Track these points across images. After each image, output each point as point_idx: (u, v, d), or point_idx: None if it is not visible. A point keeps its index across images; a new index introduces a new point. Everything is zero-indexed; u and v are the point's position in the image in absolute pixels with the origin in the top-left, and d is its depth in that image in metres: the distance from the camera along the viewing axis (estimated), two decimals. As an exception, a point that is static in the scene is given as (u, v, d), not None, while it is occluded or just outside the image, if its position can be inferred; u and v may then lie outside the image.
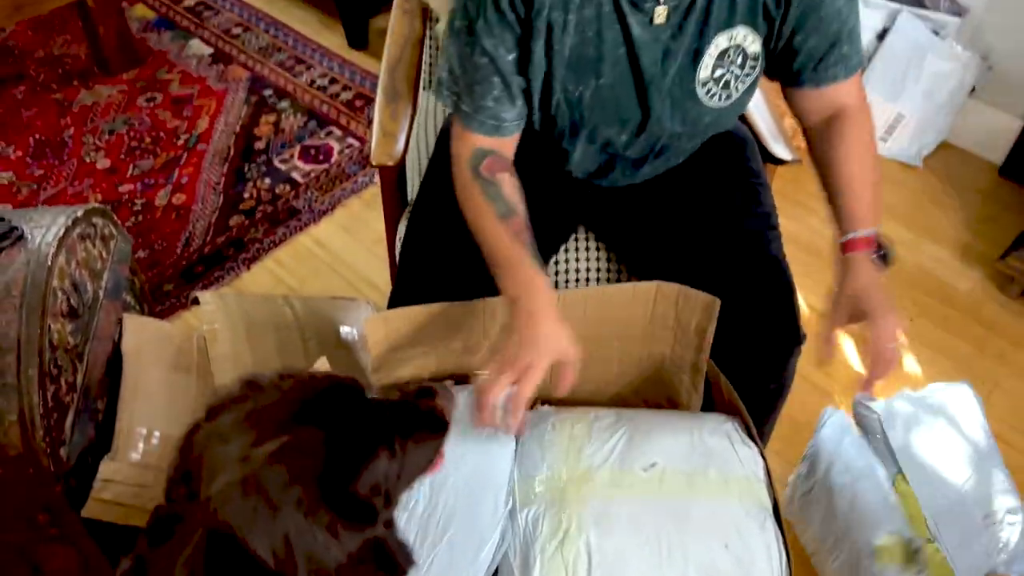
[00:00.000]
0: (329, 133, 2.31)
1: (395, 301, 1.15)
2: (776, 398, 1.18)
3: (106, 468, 1.27)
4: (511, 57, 0.97)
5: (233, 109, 2.39)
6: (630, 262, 1.23)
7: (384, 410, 0.74)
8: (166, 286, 1.89)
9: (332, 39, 2.67)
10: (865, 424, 1.58)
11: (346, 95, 2.45)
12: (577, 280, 1.22)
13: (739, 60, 1.00)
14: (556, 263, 1.23)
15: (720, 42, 0.98)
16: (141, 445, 1.33)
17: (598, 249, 1.24)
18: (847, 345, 1.79)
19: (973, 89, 2.19)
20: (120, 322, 1.47)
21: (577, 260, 1.24)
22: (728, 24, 0.97)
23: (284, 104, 2.41)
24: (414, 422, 0.76)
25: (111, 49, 2.44)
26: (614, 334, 1.08)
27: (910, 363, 1.76)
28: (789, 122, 1.25)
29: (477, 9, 0.95)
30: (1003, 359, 1.77)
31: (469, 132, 1.02)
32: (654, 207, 1.20)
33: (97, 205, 1.42)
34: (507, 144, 1.04)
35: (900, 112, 2.21)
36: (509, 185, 1.00)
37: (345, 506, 0.66)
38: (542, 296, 0.91)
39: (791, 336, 1.10)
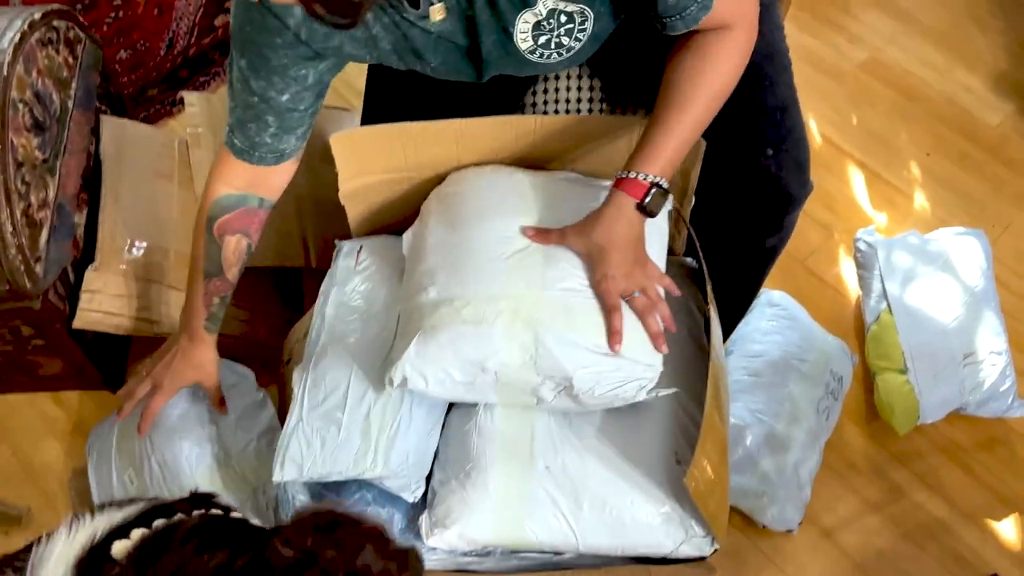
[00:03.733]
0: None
1: (366, 120, 1.12)
2: (773, 253, 1.13)
3: (90, 278, 1.27)
4: (284, 98, 0.93)
5: None
6: (615, 96, 1.14)
7: None
8: (150, 90, 1.81)
9: None
10: (862, 259, 1.55)
11: None
12: (557, 111, 1.14)
13: (562, 19, 0.88)
14: (534, 93, 1.13)
15: (527, 18, 0.87)
16: (124, 254, 1.32)
17: (580, 78, 1.15)
18: (856, 179, 1.71)
19: None
20: (94, 131, 1.42)
21: (558, 91, 1.15)
22: (525, 4, 0.85)
23: None
24: None
25: None
26: (594, 169, 1.03)
27: (920, 201, 1.69)
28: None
29: (241, 50, 0.90)
30: (1020, 201, 1.69)
31: (241, 162, 0.99)
32: (643, 44, 1.08)
33: (57, 6, 1.31)
34: (285, 170, 1.03)
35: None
36: (231, 248, 1.03)
37: None
38: (199, 344, 1.07)
39: (796, 189, 1.03)
